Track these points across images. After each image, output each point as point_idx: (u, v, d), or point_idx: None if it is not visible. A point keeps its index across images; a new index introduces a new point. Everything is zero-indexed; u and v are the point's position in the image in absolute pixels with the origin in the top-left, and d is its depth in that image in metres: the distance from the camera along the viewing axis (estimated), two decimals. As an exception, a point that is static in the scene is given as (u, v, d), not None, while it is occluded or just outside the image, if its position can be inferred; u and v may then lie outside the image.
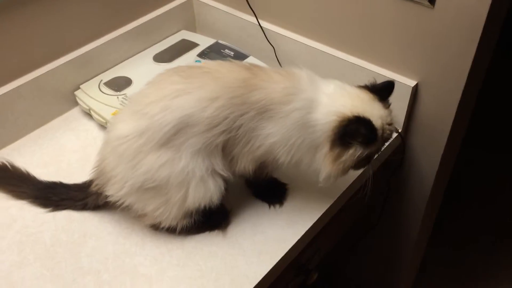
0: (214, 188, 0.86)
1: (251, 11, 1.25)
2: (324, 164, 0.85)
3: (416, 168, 1.21)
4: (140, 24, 1.28)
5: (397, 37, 1.04)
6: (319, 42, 1.19)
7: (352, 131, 0.81)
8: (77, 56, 1.17)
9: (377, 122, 0.83)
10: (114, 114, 1.09)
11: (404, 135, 1.17)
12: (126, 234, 0.93)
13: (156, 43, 1.33)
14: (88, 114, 1.18)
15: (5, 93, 1.06)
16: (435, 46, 0.99)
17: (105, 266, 0.88)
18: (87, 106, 1.15)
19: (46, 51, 1.13)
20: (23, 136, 1.13)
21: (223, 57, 1.27)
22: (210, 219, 0.92)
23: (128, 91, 1.17)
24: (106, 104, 1.14)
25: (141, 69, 1.24)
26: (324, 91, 0.84)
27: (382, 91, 0.88)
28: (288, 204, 0.99)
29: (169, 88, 0.82)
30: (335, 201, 0.99)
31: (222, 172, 0.87)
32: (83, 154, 1.10)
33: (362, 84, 0.89)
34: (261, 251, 0.90)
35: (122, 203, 0.88)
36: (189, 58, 1.27)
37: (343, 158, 0.83)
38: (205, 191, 0.86)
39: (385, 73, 1.10)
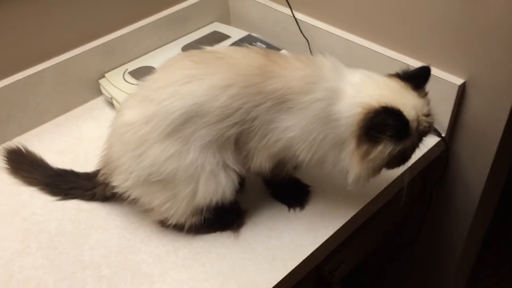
0: (226, 182, 0.79)
1: (286, 2, 1.18)
2: (352, 164, 0.76)
3: (461, 178, 1.09)
4: (171, 13, 1.23)
5: (442, 29, 0.94)
6: (356, 35, 1.11)
7: (379, 123, 0.71)
8: (104, 43, 1.14)
9: (409, 113, 0.73)
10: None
11: (448, 141, 1.06)
12: (133, 229, 0.88)
13: (186, 34, 1.29)
14: (111, 103, 1.14)
15: (27, 76, 1.04)
16: (486, 39, 0.88)
17: (107, 261, 0.82)
18: (110, 95, 1.12)
19: (72, 37, 1.10)
20: (44, 122, 1.11)
21: (255, 49, 1.20)
22: (222, 218, 0.85)
23: (152, 81, 1.12)
24: (128, 94, 1.09)
25: (169, 59, 1.19)
26: (349, 80, 0.75)
27: (416, 78, 0.77)
28: (310, 208, 0.90)
29: (179, 73, 0.76)
30: (362, 209, 0.89)
31: (234, 167, 0.79)
32: (101, 144, 1.05)
33: (393, 72, 0.79)
34: (275, 258, 0.82)
35: (129, 195, 0.83)
36: (219, 50, 1.21)
37: (372, 155, 0.74)
38: (217, 186, 0.79)
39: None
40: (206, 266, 0.81)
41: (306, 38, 1.19)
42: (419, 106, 0.75)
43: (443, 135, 1.03)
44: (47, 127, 1.10)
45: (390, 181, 0.92)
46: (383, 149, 0.73)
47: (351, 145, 0.74)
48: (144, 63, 1.18)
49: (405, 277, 1.52)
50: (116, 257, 0.83)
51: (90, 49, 1.12)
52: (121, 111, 0.82)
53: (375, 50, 1.07)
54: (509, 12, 0.82)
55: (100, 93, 1.17)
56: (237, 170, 0.80)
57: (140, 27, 1.19)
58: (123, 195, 0.84)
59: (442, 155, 1.06)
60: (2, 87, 1.02)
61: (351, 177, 0.76)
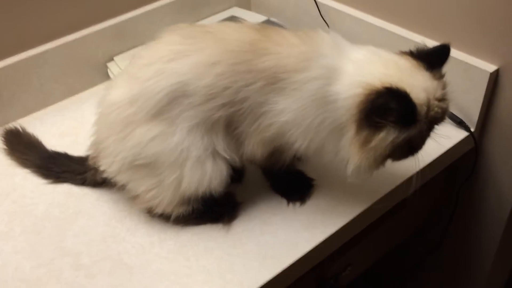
0: (213, 171, 0.73)
1: (306, -16, 1.10)
2: (351, 152, 0.67)
3: (492, 180, 1.00)
4: (187, -4, 1.18)
5: (473, 9, 0.85)
6: (380, 19, 1.04)
7: (380, 106, 0.62)
8: (114, 24, 1.10)
9: (418, 95, 0.63)
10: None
11: (478, 137, 0.96)
12: (120, 217, 0.83)
13: (202, 19, 1.23)
14: (118, 87, 1.10)
15: (32, 55, 1.02)
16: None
17: (88, 249, 0.78)
18: (116, 78, 1.08)
19: (82, 16, 1.07)
20: (49, 105, 1.08)
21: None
22: (213, 210, 0.79)
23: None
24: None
25: (180, 43, 1.14)
26: (350, 57, 0.67)
27: (432, 57, 0.68)
28: (311, 204, 0.82)
29: (165, 49, 0.71)
30: (368, 208, 0.80)
31: (224, 154, 0.73)
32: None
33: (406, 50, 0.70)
34: (266, 255, 0.75)
35: (116, 181, 0.78)
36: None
37: (373, 143, 0.65)
38: (203, 174, 0.73)
39: (458, 55, 0.92)
40: (190, 260, 0.75)
41: (326, 22, 1.11)
42: (431, 89, 0.65)
43: (472, 129, 0.93)
44: (51, 109, 1.08)
45: (404, 179, 0.82)
46: (386, 137, 0.64)
47: (351, 131, 0.66)
48: (154, 46, 1.13)
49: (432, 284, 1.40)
50: (98, 246, 0.78)
51: (99, 29, 1.09)
52: (108, 89, 0.77)
53: (400, 34, 0.99)
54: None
55: (108, 77, 1.14)
56: (228, 158, 0.74)
57: (153, 9, 1.14)
58: (111, 180, 0.79)
59: (471, 153, 0.95)
60: (5, 66, 1.00)
61: (350, 167, 0.68)
